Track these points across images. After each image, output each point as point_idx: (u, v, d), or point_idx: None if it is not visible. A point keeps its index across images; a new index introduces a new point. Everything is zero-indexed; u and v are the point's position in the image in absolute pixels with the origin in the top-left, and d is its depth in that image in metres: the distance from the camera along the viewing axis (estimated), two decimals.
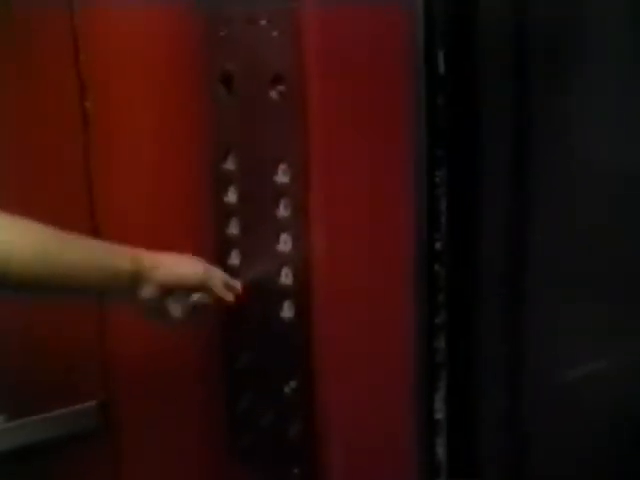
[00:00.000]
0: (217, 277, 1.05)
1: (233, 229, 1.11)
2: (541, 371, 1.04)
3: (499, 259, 1.02)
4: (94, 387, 1.17)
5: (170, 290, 1.01)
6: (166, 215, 1.17)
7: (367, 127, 1.01)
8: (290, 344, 1.06)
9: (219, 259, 1.13)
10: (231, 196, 1.11)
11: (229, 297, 1.06)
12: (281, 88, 1.01)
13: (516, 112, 0.98)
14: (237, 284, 1.08)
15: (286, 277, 1.05)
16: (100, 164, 1.14)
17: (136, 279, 0.98)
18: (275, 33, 1.00)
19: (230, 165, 1.10)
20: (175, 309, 1.03)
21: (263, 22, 1.01)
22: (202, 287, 1.04)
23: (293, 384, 1.07)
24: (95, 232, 1.15)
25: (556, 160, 0.98)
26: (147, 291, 1.00)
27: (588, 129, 0.97)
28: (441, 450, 1.05)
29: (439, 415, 1.04)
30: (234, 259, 1.12)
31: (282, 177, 1.03)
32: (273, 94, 1.02)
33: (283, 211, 1.04)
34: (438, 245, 1.01)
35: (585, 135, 0.97)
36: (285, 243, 1.04)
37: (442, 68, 0.97)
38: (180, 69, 1.14)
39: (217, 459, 1.20)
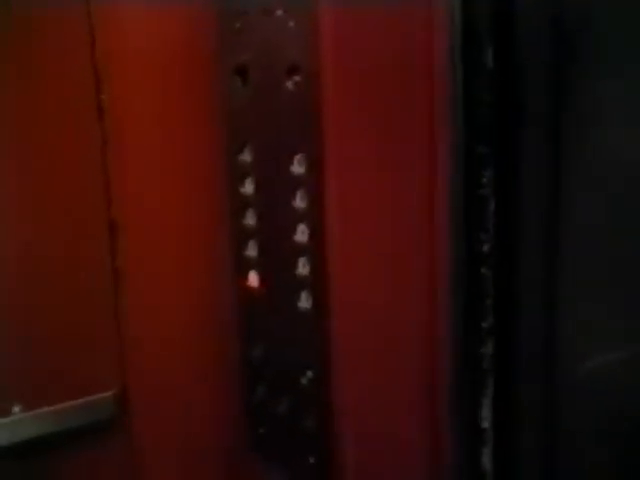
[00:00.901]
0: None
1: (250, 220, 1.12)
2: (582, 377, 1.02)
3: (540, 260, 0.99)
4: (110, 377, 1.17)
5: None
6: (182, 206, 1.17)
7: (385, 119, 1.01)
8: (307, 335, 1.06)
9: (236, 251, 1.13)
10: (248, 187, 1.11)
11: None
12: (297, 79, 1.01)
13: (559, 110, 0.95)
14: None
15: (303, 267, 1.05)
16: (116, 156, 1.14)
17: None
18: (291, 24, 1.00)
19: (246, 156, 1.10)
20: None
21: (279, 13, 1.01)
22: None
23: (310, 375, 1.07)
24: (112, 224, 1.15)
25: (600, 159, 0.96)
26: None
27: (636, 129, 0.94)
28: (487, 459, 1.02)
29: (485, 424, 1.02)
30: (251, 250, 1.12)
31: (298, 168, 1.03)
32: (289, 85, 1.02)
33: (300, 202, 1.04)
34: (485, 247, 0.98)
35: (632, 134, 0.95)
36: (302, 233, 1.04)
37: (490, 63, 0.95)
38: (195, 61, 1.14)
39: (233, 449, 1.20)
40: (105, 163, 1.14)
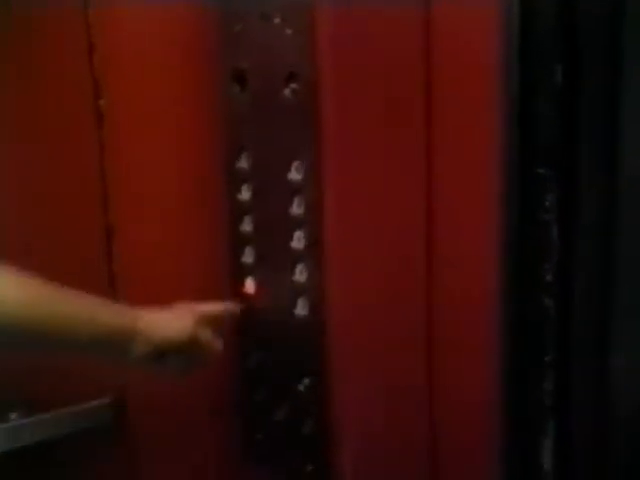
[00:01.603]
0: (205, 332, 1.04)
1: (247, 226, 1.11)
2: None
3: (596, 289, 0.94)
4: (108, 384, 1.17)
5: (163, 350, 1.00)
6: (179, 213, 1.17)
7: (382, 126, 1.01)
8: (304, 341, 1.06)
9: (233, 257, 1.13)
10: (245, 194, 1.11)
11: (219, 346, 1.05)
12: (294, 86, 1.01)
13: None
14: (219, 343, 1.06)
15: (300, 274, 1.05)
16: (114, 162, 1.14)
17: (130, 337, 0.97)
18: (289, 31, 1.00)
19: (244, 163, 1.10)
20: (169, 365, 1.02)
21: (277, 20, 1.01)
22: (192, 344, 1.02)
23: (307, 382, 1.07)
24: (109, 230, 1.15)
25: None
26: (141, 350, 0.98)
27: None
28: None
29: (546, 465, 0.97)
30: (248, 257, 1.12)
31: (296, 175, 1.03)
32: (287, 92, 1.02)
33: (297, 208, 1.04)
34: (549, 277, 0.93)
35: None
36: (299, 240, 1.04)
37: (559, 80, 0.91)
38: (193, 67, 1.14)
39: (231, 456, 1.20)
40: (103, 168, 1.14)
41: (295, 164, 1.03)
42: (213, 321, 1.06)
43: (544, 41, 0.91)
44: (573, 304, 0.94)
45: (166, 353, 1.01)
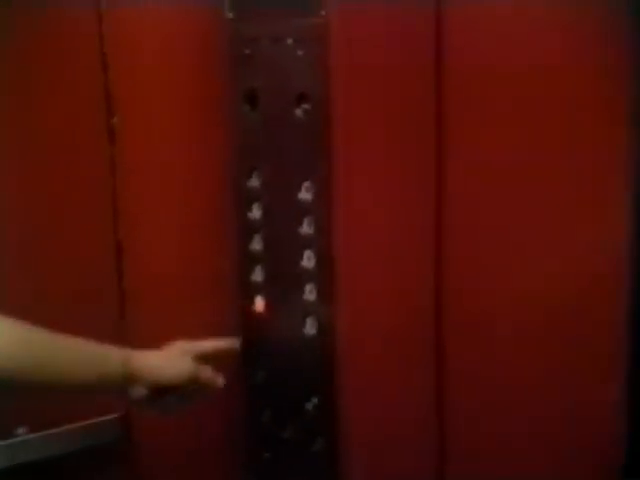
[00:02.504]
0: (206, 370, 1.03)
1: (256, 245, 1.12)
2: None
3: None
4: (115, 400, 1.17)
5: (161, 390, 1.00)
6: (190, 231, 1.18)
7: (392, 147, 1.02)
8: (312, 360, 1.06)
9: (243, 276, 1.13)
10: (255, 212, 1.11)
11: (219, 382, 1.05)
12: (306, 106, 1.02)
13: None
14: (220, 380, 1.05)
15: (310, 293, 1.05)
16: (125, 180, 1.15)
17: (125, 380, 0.97)
18: (300, 52, 1.01)
19: (254, 182, 1.11)
20: (169, 404, 1.02)
21: (289, 41, 1.02)
22: (192, 383, 1.02)
23: (315, 401, 1.07)
24: (119, 247, 1.16)
25: None
26: (136, 391, 0.99)
27: None
28: None
29: None
30: (257, 276, 1.13)
31: (306, 194, 1.04)
32: (298, 112, 1.03)
33: (307, 228, 1.04)
34: None
35: None
36: (309, 260, 1.05)
37: None
38: (206, 87, 1.15)
39: (238, 474, 1.20)
40: (114, 186, 1.15)
41: (305, 184, 1.04)
42: (213, 357, 1.06)
43: None
44: None
45: (165, 393, 1.00)
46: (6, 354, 0.88)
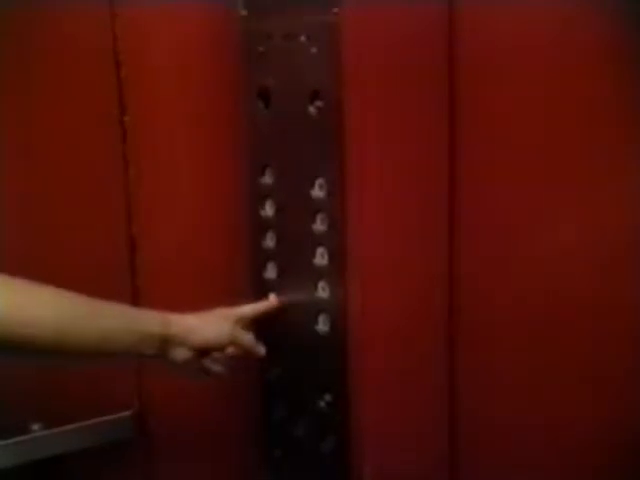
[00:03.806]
0: (246, 335, 1.06)
1: (269, 242, 1.12)
2: None
3: None
4: (129, 397, 1.18)
5: (202, 351, 1.03)
6: (203, 228, 1.18)
7: (405, 144, 1.02)
8: (325, 358, 1.06)
9: (255, 273, 1.14)
10: (268, 210, 1.12)
11: (260, 351, 1.08)
12: (319, 104, 1.02)
13: None
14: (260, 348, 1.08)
15: (322, 291, 1.05)
16: (138, 178, 1.15)
17: (166, 343, 0.99)
18: (314, 49, 1.01)
19: (267, 179, 1.11)
20: (211, 366, 1.05)
21: (302, 38, 1.02)
22: (231, 344, 1.05)
23: (328, 398, 1.07)
24: (131, 245, 1.16)
25: None
26: (179, 354, 1.01)
27: None
28: None
29: None
30: (270, 273, 1.13)
31: (318, 192, 1.04)
32: (311, 110, 1.02)
33: (320, 225, 1.04)
34: None
35: None
36: (322, 257, 1.05)
37: None
38: (218, 84, 1.15)
39: (250, 470, 1.20)
40: (127, 185, 1.15)
41: (318, 181, 1.04)
42: (252, 324, 1.08)
43: None
44: None
45: (205, 352, 1.02)
46: (51, 324, 0.89)
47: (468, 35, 1.01)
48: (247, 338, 1.07)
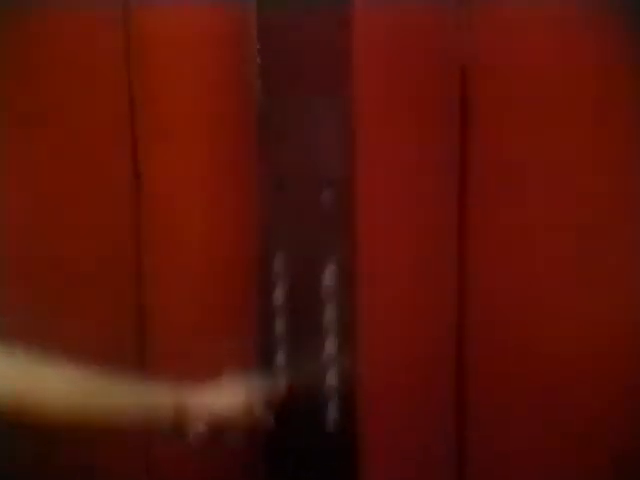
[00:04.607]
0: (257, 403, 1.05)
1: (279, 328, 1.12)
2: None
3: None
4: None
5: (218, 425, 1.01)
6: (212, 307, 1.17)
7: (417, 233, 1.03)
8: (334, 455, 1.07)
9: (264, 358, 1.13)
10: (278, 295, 1.12)
11: (270, 420, 1.06)
12: (332, 192, 1.03)
13: None
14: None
15: (331, 380, 1.05)
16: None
17: (181, 421, 0.98)
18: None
19: (278, 265, 1.11)
20: (225, 439, 1.03)
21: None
22: (246, 414, 1.03)
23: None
24: (141, 313, 1.16)
25: None
26: (196, 428, 0.99)
27: None
28: None
29: None
30: (280, 359, 1.12)
31: (329, 280, 1.04)
32: (324, 198, 1.04)
33: (329, 313, 1.05)
34: None
35: None
36: (331, 344, 1.05)
37: None
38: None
39: None
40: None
41: (329, 269, 1.04)
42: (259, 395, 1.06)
43: None
44: None
45: (221, 429, 1.01)
46: (64, 403, 0.91)
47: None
48: (259, 405, 1.04)
